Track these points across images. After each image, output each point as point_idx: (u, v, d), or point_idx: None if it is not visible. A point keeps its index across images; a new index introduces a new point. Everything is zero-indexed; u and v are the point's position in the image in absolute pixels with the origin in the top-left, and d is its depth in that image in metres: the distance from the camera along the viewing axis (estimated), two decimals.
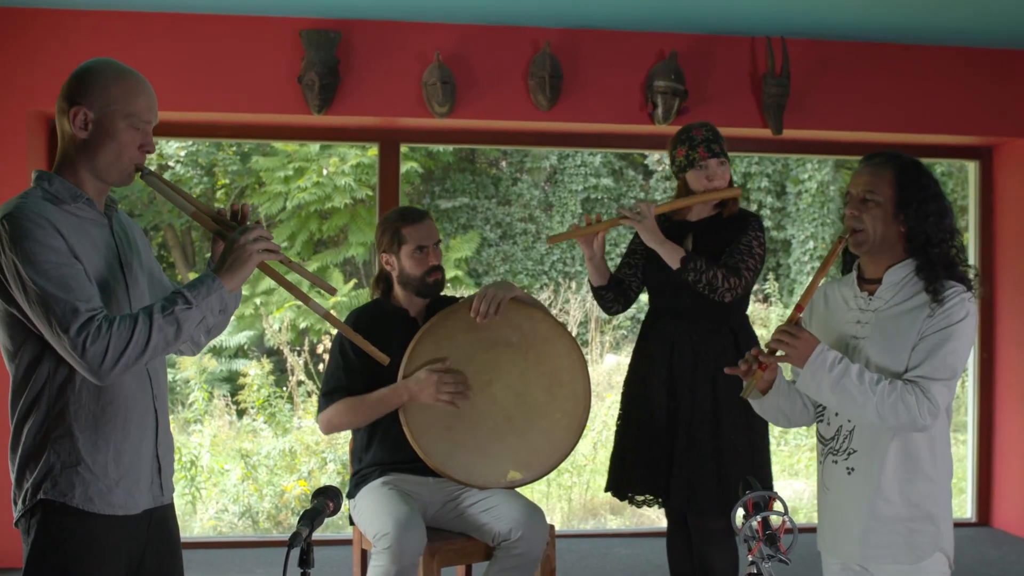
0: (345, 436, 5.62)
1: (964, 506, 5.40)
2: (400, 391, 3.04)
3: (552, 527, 3.14)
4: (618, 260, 3.51)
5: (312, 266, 9.98)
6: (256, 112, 4.53)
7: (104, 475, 1.99)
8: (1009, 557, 4.72)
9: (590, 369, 4.17)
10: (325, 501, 2.04)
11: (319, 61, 4.35)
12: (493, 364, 3.11)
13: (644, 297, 3.51)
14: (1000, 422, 5.25)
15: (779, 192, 11.23)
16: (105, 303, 1.97)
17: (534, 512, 3.01)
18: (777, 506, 1.95)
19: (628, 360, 3.43)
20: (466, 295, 3.26)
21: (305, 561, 1.90)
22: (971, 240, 5.36)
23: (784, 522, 1.93)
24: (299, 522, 1.93)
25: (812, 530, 2.60)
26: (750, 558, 1.92)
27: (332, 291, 2.27)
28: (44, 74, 4.29)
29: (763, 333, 8.17)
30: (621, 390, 3.43)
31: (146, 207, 10.10)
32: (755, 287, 3.77)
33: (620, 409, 3.40)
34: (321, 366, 7.28)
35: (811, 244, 10.84)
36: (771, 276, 10.58)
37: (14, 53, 4.33)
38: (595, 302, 3.54)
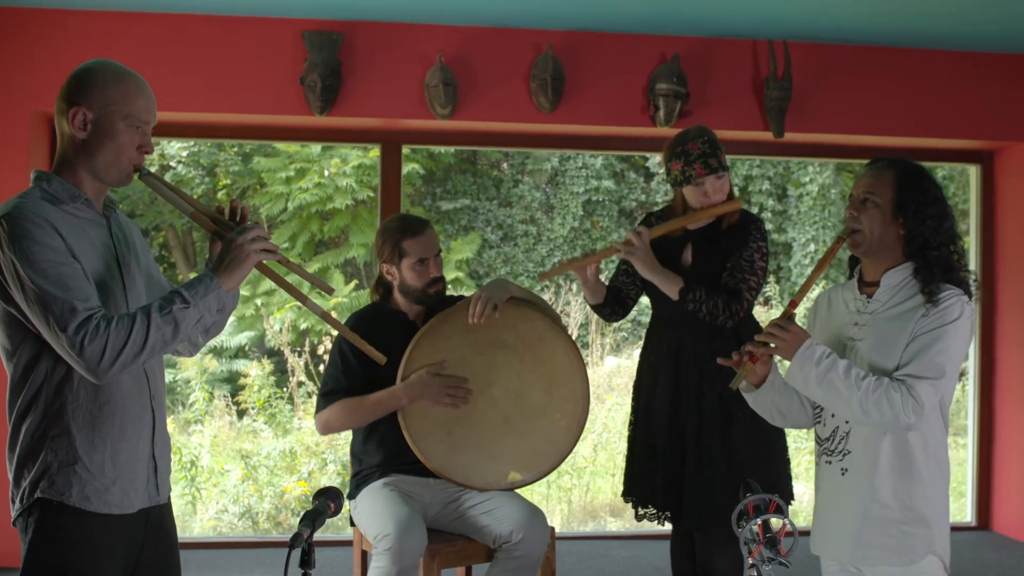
0: (346, 437, 5.62)
1: (964, 510, 5.39)
2: (399, 394, 3.04)
3: (553, 529, 3.14)
4: (613, 267, 3.45)
5: (313, 267, 9.98)
6: (258, 113, 4.54)
7: (101, 474, 1.99)
8: (1009, 561, 4.71)
9: (590, 371, 4.16)
10: (326, 502, 2.04)
11: (321, 62, 4.35)
12: (491, 366, 3.11)
13: (644, 299, 3.47)
14: (1000, 426, 5.24)
15: (780, 195, 11.23)
16: (103, 303, 1.97)
17: (535, 514, 3.01)
18: (777, 509, 1.95)
19: (629, 362, 3.42)
20: (466, 295, 3.27)
21: (306, 562, 1.90)
22: (972, 244, 5.36)
23: (784, 525, 1.93)
24: (300, 523, 1.92)
25: None
26: (750, 561, 1.92)
27: (330, 291, 2.27)
28: (46, 74, 4.28)
29: None
30: (631, 394, 3.39)
31: (147, 207, 10.10)
32: None
33: (631, 417, 3.36)
34: (322, 367, 7.28)
35: (812, 247, 10.84)
36: (772, 279, 10.57)
37: (15, 53, 4.33)
38: None
